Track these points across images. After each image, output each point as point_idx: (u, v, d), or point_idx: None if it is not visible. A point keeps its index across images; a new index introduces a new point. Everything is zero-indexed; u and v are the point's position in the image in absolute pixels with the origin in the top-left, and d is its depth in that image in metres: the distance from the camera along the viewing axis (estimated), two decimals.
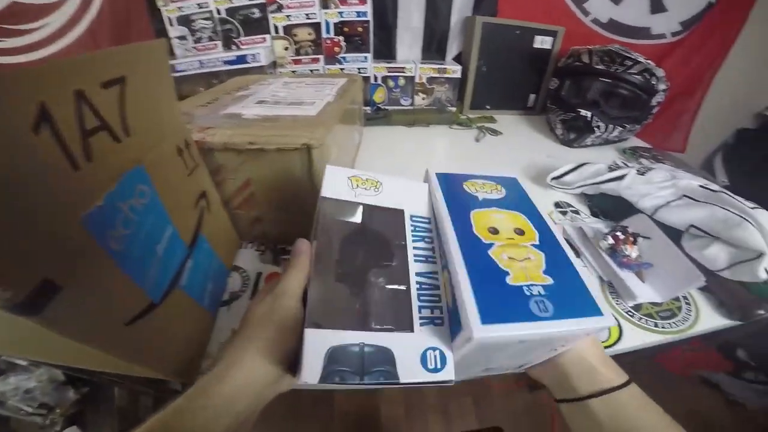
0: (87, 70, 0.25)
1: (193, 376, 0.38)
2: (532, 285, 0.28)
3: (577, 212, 0.68)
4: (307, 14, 1.05)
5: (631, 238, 0.55)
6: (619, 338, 0.48)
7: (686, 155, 1.30)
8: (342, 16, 1.06)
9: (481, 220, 0.34)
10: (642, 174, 0.66)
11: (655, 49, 1.20)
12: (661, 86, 0.90)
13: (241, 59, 1.01)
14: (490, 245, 0.31)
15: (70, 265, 0.23)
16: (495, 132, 1.07)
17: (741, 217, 0.54)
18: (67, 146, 0.22)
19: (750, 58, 1.22)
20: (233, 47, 1.07)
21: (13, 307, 0.19)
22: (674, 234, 0.58)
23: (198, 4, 1.02)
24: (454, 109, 1.15)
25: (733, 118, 1.30)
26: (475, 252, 0.30)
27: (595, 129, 0.92)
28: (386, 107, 1.17)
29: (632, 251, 0.54)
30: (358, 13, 1.06)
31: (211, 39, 1.06)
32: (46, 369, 0.96)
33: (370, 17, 1.08)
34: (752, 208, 0.55)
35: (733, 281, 0.53)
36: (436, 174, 0.40)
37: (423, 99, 1.18)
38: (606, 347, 0.48)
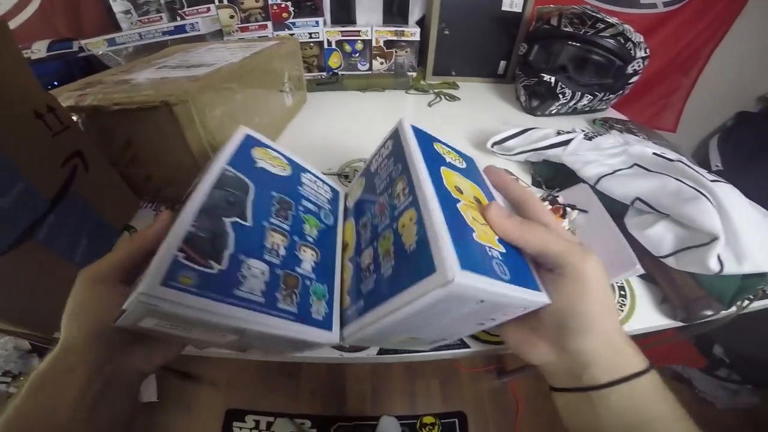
0: None
1: (53, 331, 0.41)
2: (491, 247, 0.25)
3: (516, 180, 0.60)
4: None
5: (561, 210, 0.47)
6: None
7: (677, 135, 1.23)
8: None
9: (448, 177, 0.30)
10: (589, 139, 0.57)
11: (645, 20, 1.10)
12: (639, 53, 0.80)
13: (180, 29, 0.98)
14: (458, 201, 0.28)
15: None
16: (453, 98, 0.99)
17: (696, 190, 0.45)
18: None
19: (754, 35, 1.12)
20: (178, 18, 1.05)
21: None
22: (621, 210, 0.50)
23: None
24: (413, 74, 1.08)
25: (733, 99, 1.22)
26: (446, 201, 0.26)
27: (560, 96, 0.83)
28: (343, 72, 1.10)
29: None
30: None
31: (157, 11, 1.07)
32: (11, 338, 1.00)
33: None
34: (712, 180, 0.47)
35: (680, 271, 0.44)
36: (412, 126, 0.35)
37: (381, 64, 1.11)
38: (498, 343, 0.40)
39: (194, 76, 0.53)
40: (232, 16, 1.05)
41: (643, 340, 0.41)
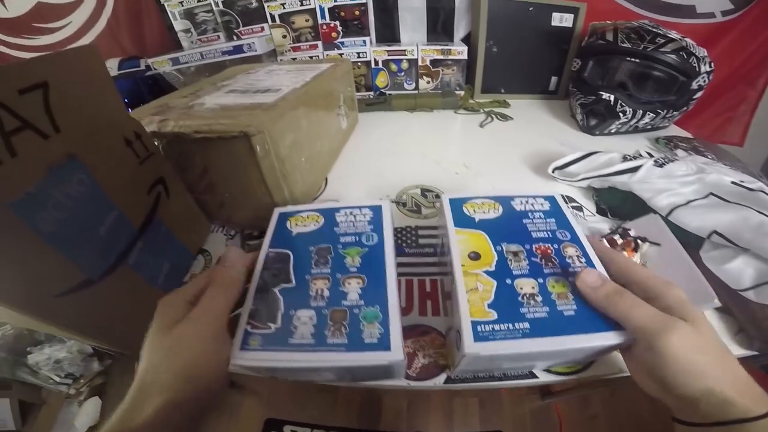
0: (2, 81, 0.29)
1: (135, 348, 0.43)
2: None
3: (579, 209, 0.59)
4: (301, 1, 1.06)
5: (633, 244, 0.46)
6: (588, 364, 0.41)
7: (745, 149, 1.16)
8: (336, 1, 1.05)
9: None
10: (660, 166, 0.56)
11: (703, 30, 1.06)
12: (704, 67, 0.77)
13: (238, 49, 1.03)
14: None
15: None
16: (505, 117, 0.98)
17: None
18: None
19: None
20: (234, 38, 1.13)
21: None
22: (696, 241, 0.49)
23: None
24: (461, 92, 1.08)
25: None
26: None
27: (620, 114, 0.81)
28: (390, 92, 1.12)
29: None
30: None
31: (214, 30, 1.15)
32: (76, 342, 1.05)
33: (366, 0, 1.05)
34: None
35: (760, 304, 0.42)
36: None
37: (428, 83, 1.12)
38: (571, 372, 0.41)
39: (265, 103, 0.54)
40: (284, 36, 1.11)
41: None
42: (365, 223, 0.42)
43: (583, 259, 0.36)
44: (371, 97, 1.08)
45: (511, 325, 0.30)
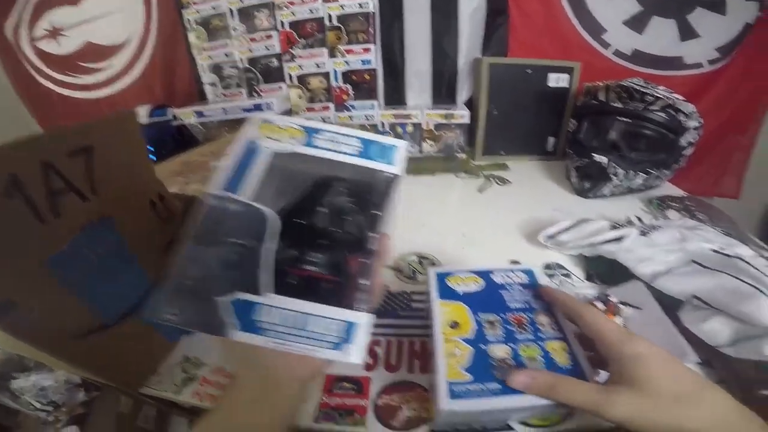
0: (55, 142, 0.34)
1: (139, 389, 0.48)
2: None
3: (568, 275, 0.65)
4: (317, 64, 1.18)
5: (614, 308, 0.52)
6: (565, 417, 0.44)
7: (741, 201, 1.19)
8: (348, 65, 1.16)
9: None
10: (644, 234, 0.62)
11: (693, 81, 1.14)
12: (692, 123, 0.83)
13: (258, 107, 1.15)
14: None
15: (29, 291, 0.32)
16: (503, 181, 1.05)
17: (754, 287, 0.50)
18: (36, 206, 0.32)
19: None
20: (254, 94, 1.26)
21: None
22: (677, 303, 0.54)
23: (225, 54, 1.24)
24: (463, 156, 1.15)
25: None
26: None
27: (612, 177, 0.86)
28: None
29: None
30: (363, 61, 1.16)
31: (238, 86, 1.28)
32: (65, 372, 1.05)
33: (376, 65, 1.17)
34: None
35: (738, 359, 0.47)
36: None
37: (431, 146, 1.20)
38: (548, 425, 0.44)
39: None
40: (300, 96, 1.23)
41: None
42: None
43: (555, 327, 0.41)
44: None
45: (483, 386, 0.36)
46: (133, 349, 0.46)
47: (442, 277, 0.48)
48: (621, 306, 0.54)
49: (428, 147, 1.21)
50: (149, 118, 1.17)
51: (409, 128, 1.19)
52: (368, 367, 0.50)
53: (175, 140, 1.19)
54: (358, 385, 0.48)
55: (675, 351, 0.46)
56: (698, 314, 0.52)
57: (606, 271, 0.63)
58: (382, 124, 1.20)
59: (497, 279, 0.48)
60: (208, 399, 0.48)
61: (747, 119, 1.17)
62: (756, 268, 0.54)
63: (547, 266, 0.66)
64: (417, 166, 1.09)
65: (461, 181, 1.07)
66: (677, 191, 0.95)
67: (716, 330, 0.49)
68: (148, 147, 1.06)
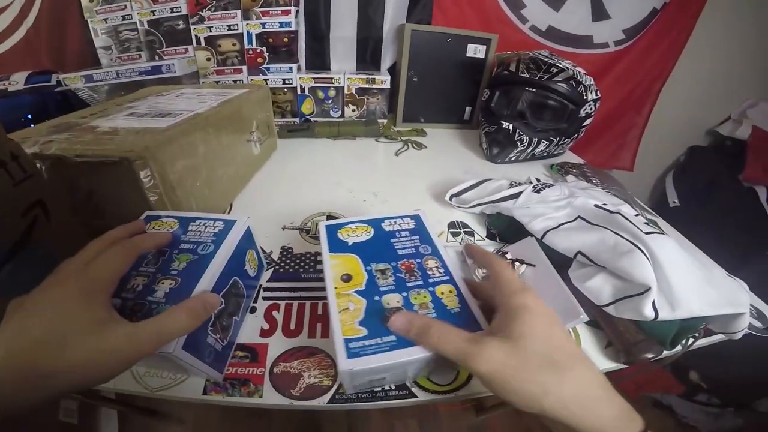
0: None
1: None
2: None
3: (471, 233, 0.63)
4: (228, 26, 1.05)
5: (511, 265, 0.50)
6: (466, 382, 0.42)
7: (635, 174, 1.27)
8: (264, 27, 1.05)
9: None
10: (537, 192, 0.61)
11: (598, 60, 1.17)
12: (590, 95, 0.84)
13: (156, 69, 1.00)
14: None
15: None
16: (420, 146, 1.02)
17: (632, 243, 0.49)
18: None
19: (701, 69, 1.19)
20: (156, 58, 1.10)
21: None
22: (567, 262, 0.53)
23: (122, 16, 1.07)
24: (384, 121, 1.11)
25: (685, 134, 1.27)
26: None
27: (518, 143, 0.87)
28: (315, 119, 1.13)
29: None
30: (281, 23, 1.05)
31: (137, 49, 1.11)
32: None
33: (296, 27, 1.07)
34: (648, 233, 0.50)
35: (622, 319, 0.46)
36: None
37: (354, 111, 1.15)
38: (452, 390, 0.42)
39: (157, 128, 0.54)
40: (209, 59, 1.09)
41: (614, 374, 0.44)
42: (210, 235, 0.42)
43: (442, 270, 0.39)
44: (295, 123, 1.09)
45: (379, 339, 0.32)
46: None
47: (333, 230, 0.44)
48: (516, 263, 0.52)
49: (351, 112, 1.15)
50: (25, 85, 0.98)
51: (331, 92, 1.12)
52: (265, 334, 0.45)
53: (60, 109, 1.00)
54: (253, 353, 0.43)
55: (567, 309, 0.44)
56: (583, 272, 0.50)
57: (505, 228, 0.61)
58: (302, 87, 1.11)
59: (386, 227, 0.44)
60: None
61: (643, 99, 1.23)
62: (635, 225, 0.54)
63: (451, 224, 0.64)
64: (338, 129, 1.04)
65: (381, 145, 1.04)
66: (577, 159, 0.97)
67: (598, 287, 0.48)
68: (26, 115, 0.90)
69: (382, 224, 0.45)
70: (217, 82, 1.11)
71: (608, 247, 0.50)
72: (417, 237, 0.43)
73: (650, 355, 0.45)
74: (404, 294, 0.36)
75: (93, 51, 1.12)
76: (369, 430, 1.23)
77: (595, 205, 0.57)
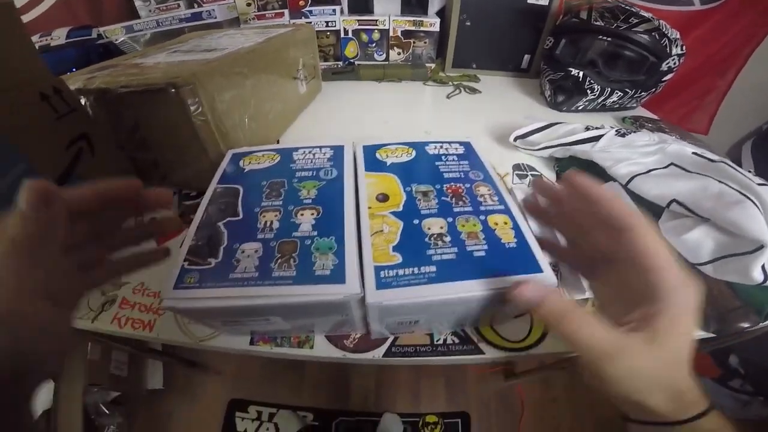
0: None
1: None
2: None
3: (539, 177, 0.56)
4: None
5: None
6: (541, 338, 0.37)
7: (709, 138, 1.16)
8: None
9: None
10: (622, 136, 0.53)
11: (681, 17, 1.03)
12: (675, 50, 0.75)
13: (197, 16, 0.98)
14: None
15: None
16: (474, 91, 0.94)
17: (742, 194, 0.41)
18: None
19: None
20: (195, 6, 1.05)
21: None
22: (655, 211, 0.45)
23: None
24: (432, 65, 1.04)
25: None
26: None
27: (588, 91, 0.78)
28: (359, 62, 1.07)
29: None
30: None
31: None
32: None
33: None
34: (760, 184, 0.42)
35: (717, 281, 0.40)
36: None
37: (399, 54, 1.07)
38: (524, 348, 0.37)
39: (205, 59, 0.51)
40: (249, 4, 1.03)
41: None
42: (324, 160, 0.40)
43: (496, 198, 0.34)
44: (338, 66, 1.03)
45: (416, 269, 0.27)
46: None
47: (371, 150, 0.41)
48: None
49: (396, 55, 1.07)
50: (67, 39, 0.97)
51: (375, 35, 1.04)
52: None
53: (102, 60, 0.98)
54: None
55: None
56: (678, 223, 0.43)
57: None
58: (345, 30, 1.04)
59: (431, 150, 0.40)
60: (131, 325, 0.39)
61: (728, 63, 1.11)
62: (741, 173, 0.46)
63: (517, 166, 0.57)
64: (383, 72, 0.98)
65: (429, 89, 0.97)
66: (651, 115, 0.87)
67: (698, 241, 0.41)
68: (71, 69, 0.89)
69: (426, 147, 0.41)
70: (258, 27, 1.05)
71: (712, 195, 0.43)
72: (467, 162, 0.39)
73: (745, 325, 0.38)
74: (449, 219, 0.32)
75: (131, 5, 1.09)
76: (396, 386, 1.22)
77: (694, 153, 0.49)
